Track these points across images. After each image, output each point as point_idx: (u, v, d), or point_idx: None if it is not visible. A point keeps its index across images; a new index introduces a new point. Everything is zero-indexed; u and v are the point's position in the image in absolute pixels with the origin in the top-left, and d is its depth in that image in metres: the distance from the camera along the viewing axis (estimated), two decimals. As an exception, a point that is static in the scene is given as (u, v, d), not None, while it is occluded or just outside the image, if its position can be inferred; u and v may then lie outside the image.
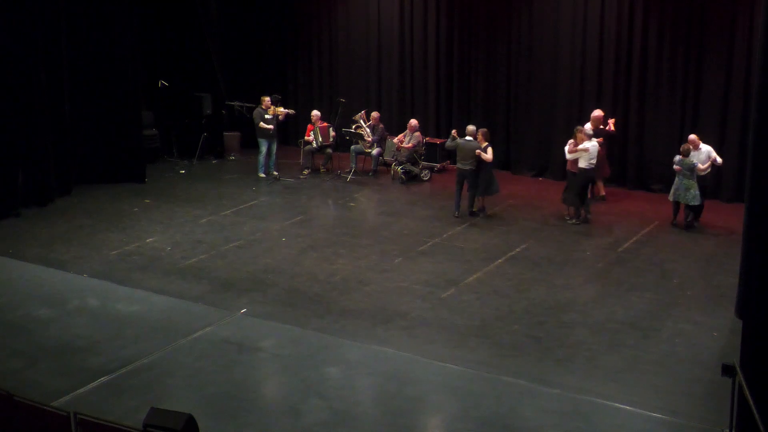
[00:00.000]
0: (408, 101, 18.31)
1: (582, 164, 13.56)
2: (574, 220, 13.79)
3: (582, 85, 16.19)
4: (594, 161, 13.60)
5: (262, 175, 16.70)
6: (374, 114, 17.19)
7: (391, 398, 8.34)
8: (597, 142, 13.85)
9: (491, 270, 11.78)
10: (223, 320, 10.10)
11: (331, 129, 17.12)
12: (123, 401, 8.17)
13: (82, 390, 8.41)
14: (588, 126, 14.45)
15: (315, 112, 17.21)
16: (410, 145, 16.55)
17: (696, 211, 13.53)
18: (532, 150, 16.93)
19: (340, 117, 17.49)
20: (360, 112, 17.24)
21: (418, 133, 16.64)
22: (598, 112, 14.83)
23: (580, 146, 13.51)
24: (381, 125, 17.05)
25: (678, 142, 15.25)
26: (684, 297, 10.82)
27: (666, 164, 15.53)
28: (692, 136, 13.72)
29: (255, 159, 17.00)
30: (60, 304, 10.57)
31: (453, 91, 17.77)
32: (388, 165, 17.11)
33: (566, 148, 13.79)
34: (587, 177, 13.72)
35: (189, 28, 18.17)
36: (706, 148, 13.59)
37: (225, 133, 18.84)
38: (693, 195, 13.26)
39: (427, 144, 16.99)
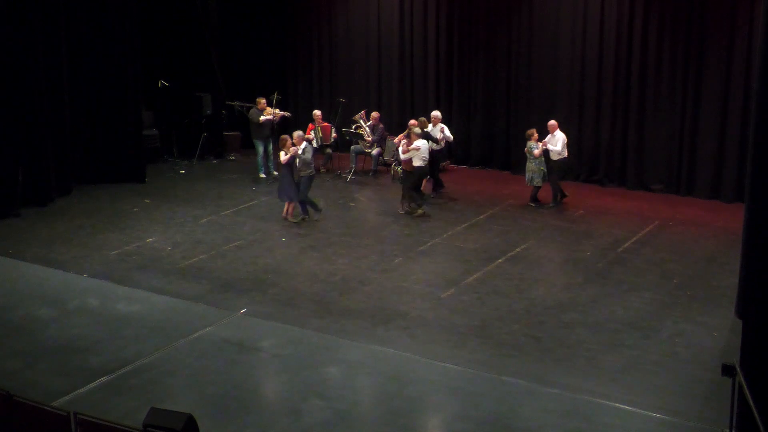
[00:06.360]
0: (408, 101, 18.29)
1: (417, 162, 14.15)
2: (405, 212, 14.28)
3: (582, 85, 16.17)
4: (426, 158, 14.26)
5: (263, 175, 16.71)
6: (374, 114, 17.18)
7: (391, 398, 8.34)
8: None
9: (491, 270, 11.77)
10: (223, 320, 10.10)
11: (333, 130, 17.12)
12: (123, 401, 8.17)
13: (82, 390, 8.41)
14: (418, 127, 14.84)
15: (317, 112, 17.20)
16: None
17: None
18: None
19: (340, 117, 17.49)
20: (360, 112, 17.24)
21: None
22: (437, 113, 15.68)
23: (412, 146, 14.08)
24: (381, 125, 17.05)
25: (678, 143, 15.31)
26: (684, 297, 10.81)
27: (664, 164, 15.58)
28: (554, 122, 14.72)
29: (255, 159, 16.99)
30: (60, 304, 10.57)
31: (453, 91, 17.77)
32: (388, 165, 17.10)
33: (400, 149, 14.27)
34: (422, 173, 14.37)
35: (189, 28, 18.16)
36: (561, 135, 14.65)
37: (225, 133, 18.85)
38: None
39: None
